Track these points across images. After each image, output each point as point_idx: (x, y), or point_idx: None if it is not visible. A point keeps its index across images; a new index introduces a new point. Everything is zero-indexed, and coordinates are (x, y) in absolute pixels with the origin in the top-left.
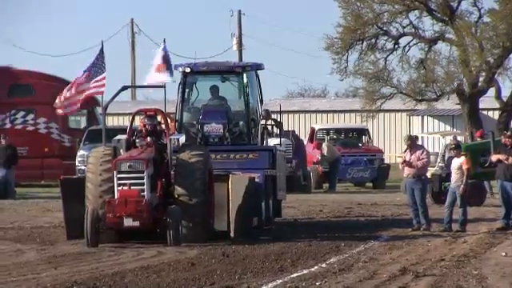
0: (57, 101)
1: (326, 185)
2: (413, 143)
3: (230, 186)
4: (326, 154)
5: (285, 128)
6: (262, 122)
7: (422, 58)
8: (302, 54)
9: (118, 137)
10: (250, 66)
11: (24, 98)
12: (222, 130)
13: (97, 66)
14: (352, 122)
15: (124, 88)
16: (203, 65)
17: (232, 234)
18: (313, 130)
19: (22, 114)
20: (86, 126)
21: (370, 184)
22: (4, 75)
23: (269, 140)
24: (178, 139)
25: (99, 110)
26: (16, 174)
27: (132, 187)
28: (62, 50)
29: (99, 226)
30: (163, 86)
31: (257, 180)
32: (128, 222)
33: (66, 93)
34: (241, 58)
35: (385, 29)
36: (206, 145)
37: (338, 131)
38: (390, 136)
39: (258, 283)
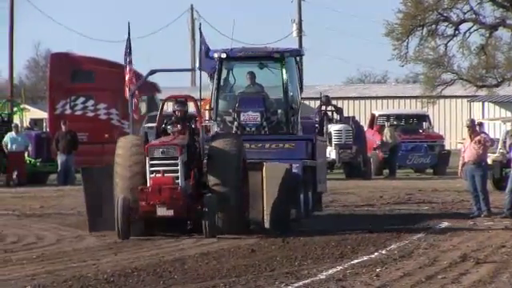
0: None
1: (386, 171)
2: (473, 129)
3: (264, 175)
4: (388, 139)
5: (345, 114)
6: (323, 107)
7: (482, 44)
8: (363, 39)
9: (149, 124)
10: (290, 52)
11: (84, 84)
12: (259, 119)
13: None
14: (412, 108)
15: (152, 72)
16: (240, 50)
17: (267, 225)
18: (373, 116)
19: (81, 100)
20: (146, 111)
21: (431, 170)
22: (65, 61)
23: (329, 126)
24: (209, 126)
25: (160, 96)
26: (76, 160)
27: (165, 174)
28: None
29: (130, 215)
30: (193, 70)
31: (295, 170)
32: (162, 211)
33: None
34: (300, 44)
35: (445, 15)
36: (243, 134)
37: (398, 117)
38: (450, 122)
39: (318, 269)
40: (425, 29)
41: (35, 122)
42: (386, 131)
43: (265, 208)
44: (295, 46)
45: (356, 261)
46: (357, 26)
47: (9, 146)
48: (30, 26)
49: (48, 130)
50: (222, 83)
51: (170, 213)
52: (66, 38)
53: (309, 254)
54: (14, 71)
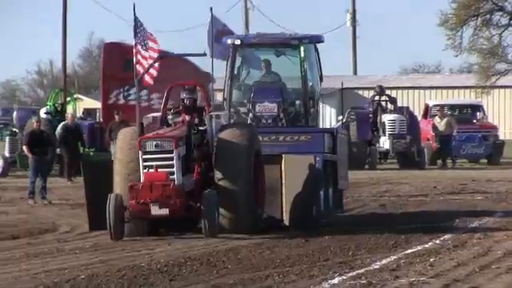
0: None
1: (439, 161)
2: None
3: (283, 168)
4: (453, 127)
5: (399, 104)
6: (376, 97)
7: None
8: (417, 29)
9: (153, 114)
10: (308, 39)
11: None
12: (276, 110)
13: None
14: (466, 98)
15: (161, 56)
16: (255, 37)
17: (287, 223)
18: (427, 106)
19: (135, 89)
20: (200, 101)
21: (485, 160)
22: (119, 50)
23: (383, 116)
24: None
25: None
26: None
27: (159, 169)
28: (173, 26)
29: (124, 214)
30: (205, 54)
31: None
32: (155, 210)
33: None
34: (354, 34)
35: (500, 4)
36: (258, 126)
37: (452, 107)
38: (504, 112)
39: (372, 259)
40: (479, 19)
41: (88, 112)
42: (450, 120)
43: (284, 204)
44: (349, 35)
45: (410, 250)
46: (411, 15)
47: None
48: (84, 16)
49: (101, 119)
50: (235, 72)
51: (165, 212)
52: (120, 27)
53: (362, 244)
54: (68, 61)
